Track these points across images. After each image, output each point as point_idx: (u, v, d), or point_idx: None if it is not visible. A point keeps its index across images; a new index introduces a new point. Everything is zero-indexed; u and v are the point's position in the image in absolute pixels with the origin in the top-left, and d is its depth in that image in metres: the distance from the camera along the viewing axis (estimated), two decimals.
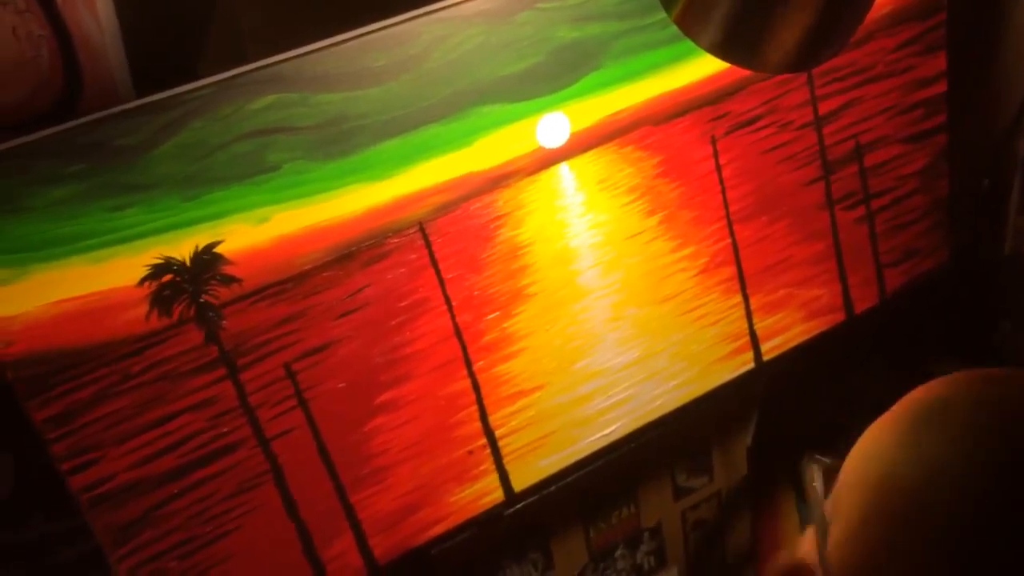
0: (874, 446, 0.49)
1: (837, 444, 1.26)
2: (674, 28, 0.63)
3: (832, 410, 1.26)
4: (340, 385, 0.78)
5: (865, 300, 1.04)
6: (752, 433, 1.17)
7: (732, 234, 0.94)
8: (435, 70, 0.75)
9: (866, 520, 0.46)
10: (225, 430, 0.74)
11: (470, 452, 0.86)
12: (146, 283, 0.69)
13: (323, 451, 0.79)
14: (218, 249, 0.71)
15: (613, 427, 0.93)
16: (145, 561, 0.74)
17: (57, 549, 0.93)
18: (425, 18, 0.73)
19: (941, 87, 1.01)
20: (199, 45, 0.83)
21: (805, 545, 0.52)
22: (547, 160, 0.82)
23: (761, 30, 0.60)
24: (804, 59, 0.61)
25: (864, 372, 1.27)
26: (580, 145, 0.83)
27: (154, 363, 0.71)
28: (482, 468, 0.86)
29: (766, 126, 0.92)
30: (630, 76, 0.83)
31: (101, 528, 0.72)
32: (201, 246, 0.70)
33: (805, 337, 1.02)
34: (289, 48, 0.70)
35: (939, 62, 1.00)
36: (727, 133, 0.90)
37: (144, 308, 0.69)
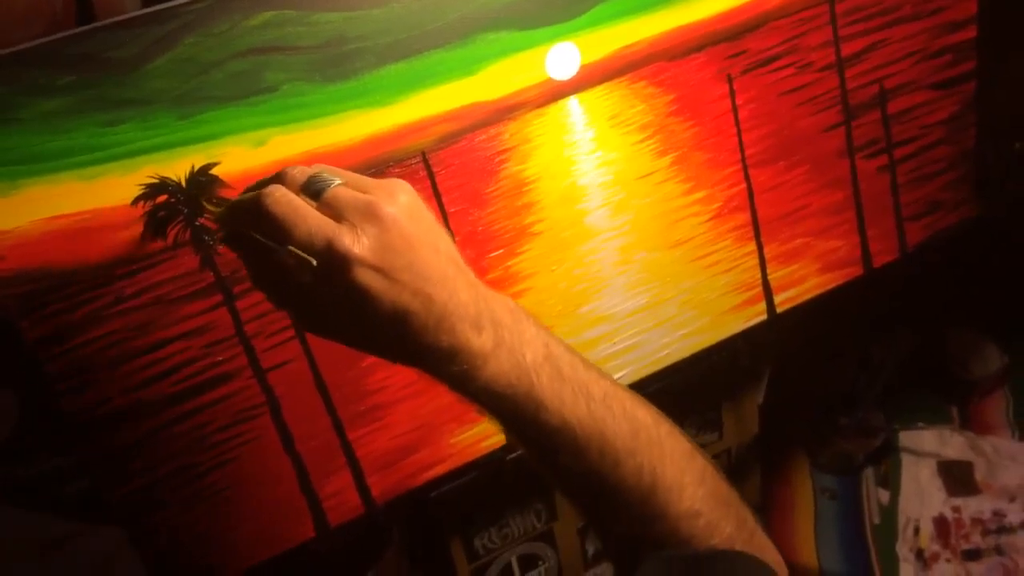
0: None
1: (853, 405, 1.23)
2: None
3: (848, 369, 1.24)
4: None
5: (884, 254, 1.01)
6: (765, 390, 1.15)
7: (747, 179, 0.91)
8: None
9: None
10: (220, 359, 0.73)
11: None
12: (140, 203, 0.67)
13: (321, 385, 0.77)
14: (214, 171, 0.69)
15: (618, 375, 0.90)
16: (137, 490, 0.73)
17: (63, 483, 0.94)
18: None
19: (971, 32, 0.97)
20: None
21: None
22: (556, 93, 0.79)
23: None
24: None
25: (881, 330, 1.23)
26: (591, 78, 0.80)
27: (147, 286, 0.69)
28: None
29: (786, 66, 0.89)
30: (645, 7, 0.80)
31: (93, 454, 0.71)
32: (197, 167, 0.68)
33: (820, 290, 0.99)
34: None
35: (970, 5, 0.96)
36: (744, 72, 0.87)
37: (138, 229, 0.68)
